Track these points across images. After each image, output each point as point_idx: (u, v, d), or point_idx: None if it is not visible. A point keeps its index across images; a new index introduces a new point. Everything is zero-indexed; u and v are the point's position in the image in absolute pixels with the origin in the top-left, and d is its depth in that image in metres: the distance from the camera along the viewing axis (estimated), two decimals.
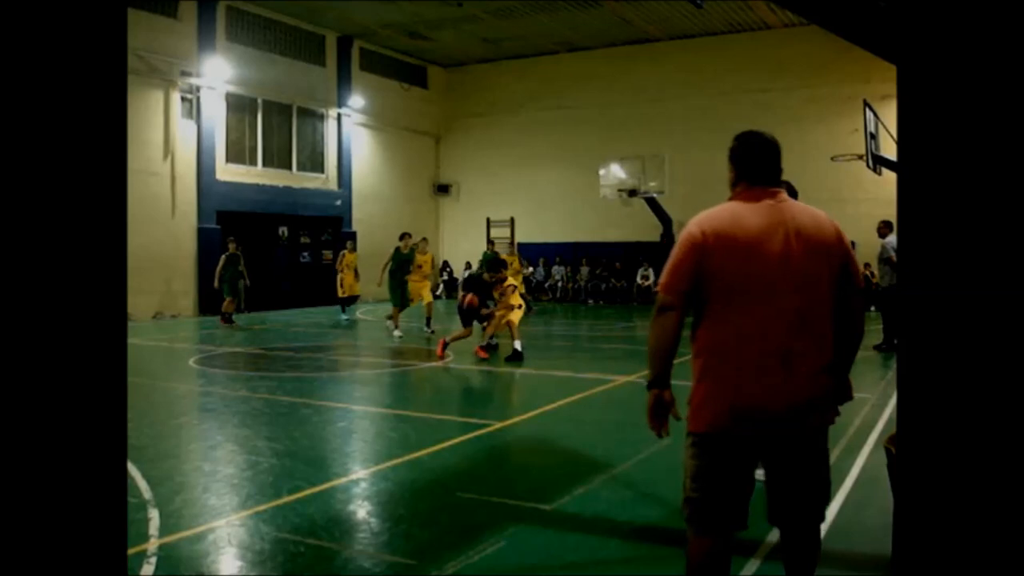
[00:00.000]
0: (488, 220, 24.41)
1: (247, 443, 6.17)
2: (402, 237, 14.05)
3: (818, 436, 2.74)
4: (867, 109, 10.94)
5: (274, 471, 5.33)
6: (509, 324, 11.05)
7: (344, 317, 16.86)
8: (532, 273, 22.64)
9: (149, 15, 16.92)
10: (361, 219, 22.34)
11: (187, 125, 17.94)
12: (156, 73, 17.12)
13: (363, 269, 17.20)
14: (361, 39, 22.43)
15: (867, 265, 15.19)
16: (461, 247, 24.50)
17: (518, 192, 24.16)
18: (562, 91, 23.49)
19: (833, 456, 4.46)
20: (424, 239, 15.17)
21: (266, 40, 19.93)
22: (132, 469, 5.20)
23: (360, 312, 17.83)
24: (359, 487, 5.11)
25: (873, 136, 11.00)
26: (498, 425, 6.93)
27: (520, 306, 11.34)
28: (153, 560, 3.77)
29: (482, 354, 10.71)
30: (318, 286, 20.79)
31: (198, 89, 18.05)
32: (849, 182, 18.33)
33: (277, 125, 20.49)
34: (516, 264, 17.45)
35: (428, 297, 14.29)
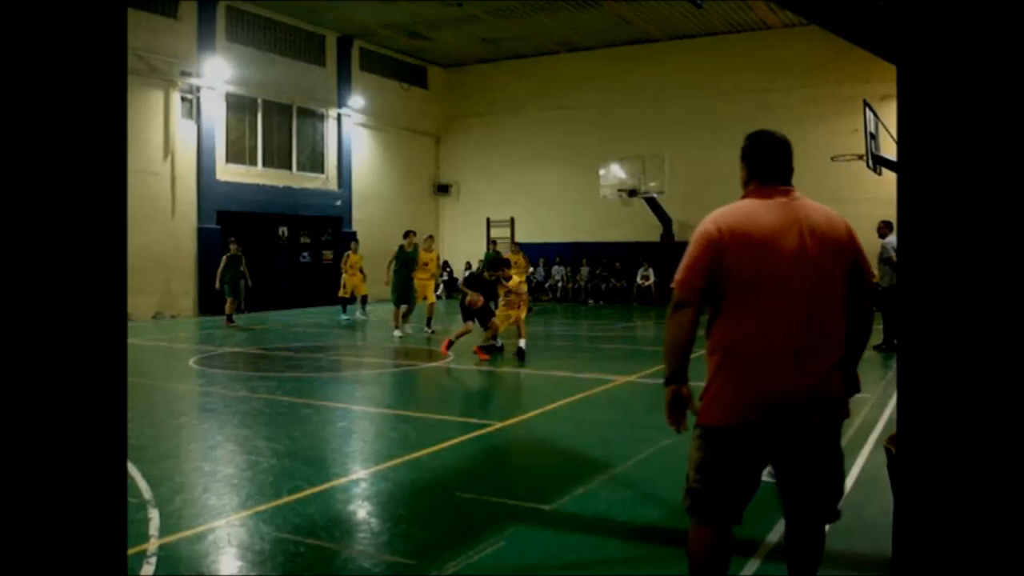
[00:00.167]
0: (488, 220, 24.42)
1: (247, 443, 6.17)
2: (406, 235, 14.02)
3: (830, 432, 2.76)
4: (867, 109, 10.96)
5: (274, 471, 5.33)
6: (517, 322, 11.07)
7: (344, 317, 16.85)
8: (532, 273, 22.65)
9: (149, 15, 16.92)
10: (361, 219, 22.33)
11: (187, 125, 17.94)
12: (156, 73, 17.12)
13: (367, 269, 17.18)
14: (361, 39, 22.43)
15: None
16: (461, 247, 24.51)
17: (518, 192, 24.17)
18: (562, 91, 23.49)
19: None
20: (430, 236, 15.20)
21: (266, 40, 19.93)
22: (132, 469, 5.19)
23: (360, 312, 17.80)
24: (359, 487, 5.11)
25: (873, 136, 11.01)
26: (498, 425, 6.93)
27: (520, 306, 11.33)
28: (153, 560, 3.77)
29: (482, 356, 10.71)
30: (318, 286, 20.80)
31: (198, 89, 18.05)
32: (849, 182, 18.33)
33: (277, 125, 20.49)
34: (521, 262, 17.41)
35: (431, 297, 14.30)
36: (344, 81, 22.12)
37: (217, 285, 15.48)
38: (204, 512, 4.54)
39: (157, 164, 17.32)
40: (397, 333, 13.48)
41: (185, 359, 11.26)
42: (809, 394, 2.63)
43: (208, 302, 17.60)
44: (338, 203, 21.99)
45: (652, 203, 21.11)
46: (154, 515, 4.39)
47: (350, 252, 17.08)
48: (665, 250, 21.36)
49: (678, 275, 2.71)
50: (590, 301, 22.18)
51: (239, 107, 19.39)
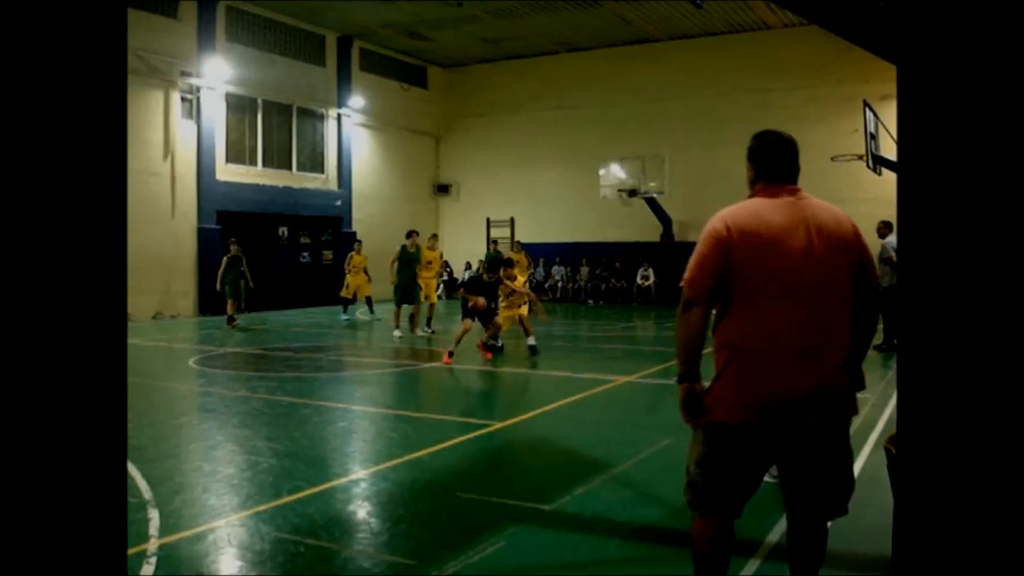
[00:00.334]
0: (488, 220, 24.42)
1: (247, 443, 6.17)
2: (409, 235, 14.00)
3: (831, 431, 2.76)
4: (867, 109, 10.95)
5: (274, 471, 5.33)
6: (522, 321, 11.07)
7: (344, 317, 16.85)
8: (533, 273, 22.64)
9: (149, 15, 16.92)
10: (361, 219, 22.33)
11: (187, 125, 17.94)
12: (156, 73, 17.12)
13: (369, 269, 17.14)
14: (361, 39, 22.43)
15: None
16: (461, 247, 24.50)
17: (518, 192, 24.17)
18: (562, 91, 23.49)
19: None
20: (434, 235, 15.21)
21: (266, 40, 19.93)
22: (132, 469, 5.19)
23: (360, 312, 17.80)
24: (359, 487, 5.11)
25: (873, 136, 11.01)
26: (498, 425, 6.93)
27: (521, 305, 11.32)
28: (153, 560, 3.77)
29: (486, 354, 10.68)
30: (318, 286, 20.80)
31: (198, 89, 18.05)
32: (849, 182, 18.32)
33: (277, 125, 20.49)
34: (523, 261, 17.37)
35: (433, 297, 14.30)
36: (344, 81, 22.12)
37: (218, 286, 15.47)
38: (204, 512, 4.54)
39: (157, 164, 17.32)
40: (397, 333, 13.47)
41: (185, 359, 11.26)
42: (809, 394, 2.64)
43: (208, 302, 17.60)
44: (338, 203, 21.99)
45: (652, 203, 21.10)
46: (154, 515, 4.38)
47: (353, 252, 17.06)
48: (665, 250, 21.37)
49: (687, 273, 2.72)
50: (590, 301, 22.17)
51: (239, 107, 19.39)
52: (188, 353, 12.00)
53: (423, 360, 11.17)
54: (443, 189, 25.75)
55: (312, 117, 21.51)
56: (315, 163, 21.60)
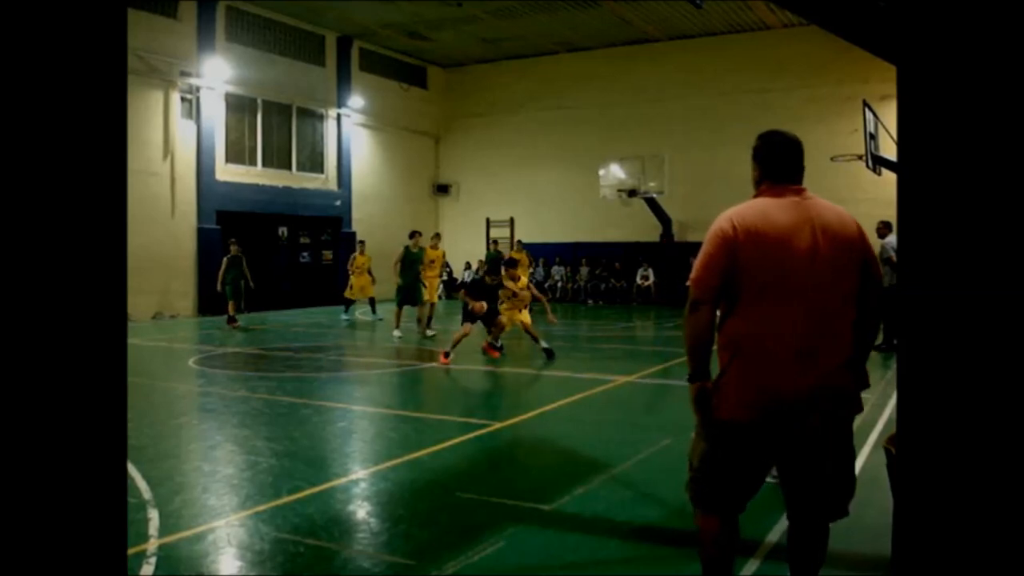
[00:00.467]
0: (488, 220, 24.42)
1: (247, 443, 6.16)
2: (412, 236, 13.97)
3: (831, 431, 2.76)
4: (867, 109, 10.95)
5: (274, 471, 5.33)
6: (526, 330, 11.01)
7: (345, 317, 16.84)
8: (533, 272, 22.64)
9: (149, 15, 16.92)
10: (361, 219, 22.33)
11: (187, 125, 17.94)
12: (156, 73, 17.12)
13: (372, 270, 17.09)
14: (361, 39, 22.42)
15: None
16: (461, 247, 24.49)
17: (518, 192, 24.17)
18: (562, 91, 23.49)
19: None
20: (436, 234, 15.21)
21: (266, 40, 19.93)
22: (132, 469, 5.20)
23: (360, 313, 17.79)
24: (359, 487, 5.11)
25: (873, 136, 11.02)
26: (498, 425, 6.93)
27: (522, 309, 11.26)
28: (153, 560, 3.77)
29: (492, 353, 10.62)
30: (318, 286, 20.80)
31: (198, 89, 18.05)
32: (848, 182, 18.31)
33: (277, 125, 20.49)
34: (525, 261, 17.36)
35: (433, 297, 14.30)
36: (344, 81, 22.12)
37: (219, 287, 15.46)
38: (204, 512, 4.54)
39: (157, 164, 17.32)
40: (397, 333, 13.47)
41: (185, 359, 11.26)
42: (809, 394, 2.65)
43: (208, 302, 17.60)
44: (338, 203, 21.99)
45: (652, 203, 21.11)
46: (154, 515, 4.38)
47: (356, 253, 17.01)
48: (665, 250, 21.37)
49: (694, 273, 2.73)
50: (590, 301, 22.17)
51: (239, 107, 19.39)
52: (188, 353, 12.00)
53: (423, 360, 11.17)
54: (443, 189, 25.74)
55: (312, 117, 21.51)
56: (315, 163, 21.60)
